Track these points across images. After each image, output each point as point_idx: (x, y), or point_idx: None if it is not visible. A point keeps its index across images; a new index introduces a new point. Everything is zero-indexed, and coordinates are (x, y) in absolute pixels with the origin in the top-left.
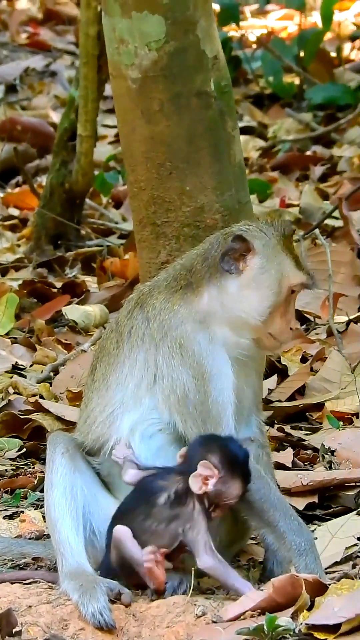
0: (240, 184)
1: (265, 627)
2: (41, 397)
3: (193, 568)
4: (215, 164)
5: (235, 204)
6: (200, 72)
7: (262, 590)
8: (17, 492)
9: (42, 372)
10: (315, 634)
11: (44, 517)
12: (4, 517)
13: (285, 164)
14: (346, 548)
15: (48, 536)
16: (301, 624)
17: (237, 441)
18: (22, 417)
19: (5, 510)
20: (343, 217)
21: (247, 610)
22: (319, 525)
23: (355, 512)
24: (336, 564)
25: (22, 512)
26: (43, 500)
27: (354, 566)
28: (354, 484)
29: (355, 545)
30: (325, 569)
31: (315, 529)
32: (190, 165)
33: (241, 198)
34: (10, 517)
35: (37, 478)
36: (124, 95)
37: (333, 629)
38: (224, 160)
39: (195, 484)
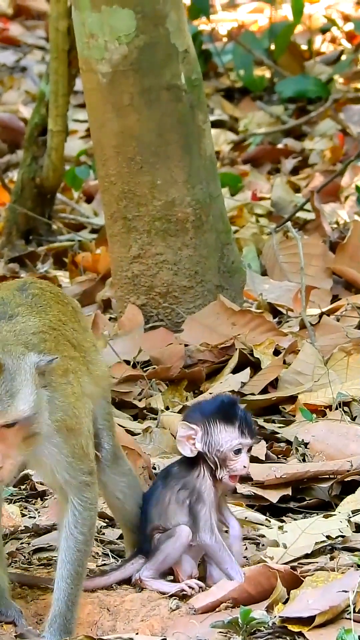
0: (211, 177)
1: (239, 620)
2: None
3: None
4: (186, 158)
5: (206, 198)
6: (171, 65)
7: None
8: None
9: None
10: (290, 627)
11: (22, 512)
12: None
13: (256, 157)
14: (316, 543)
15: (23, 531)
16: (275, 617)
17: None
18: None
19: None
20: (315, 209)
21: (217, 600)
22: (294, 519)
23: (322, 514)
24: (307, 556)
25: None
26: (17, 495)
27: (331, 559)
28: (327, 476)
29: (323, 542)
30: (296, 559)
31: (283, 525)
32: (160, 159)
33: (212, 191)
34: None
35: None
36: (95, 90)
37: (307, 621)
38: (194, 153)
39: (183, 448)
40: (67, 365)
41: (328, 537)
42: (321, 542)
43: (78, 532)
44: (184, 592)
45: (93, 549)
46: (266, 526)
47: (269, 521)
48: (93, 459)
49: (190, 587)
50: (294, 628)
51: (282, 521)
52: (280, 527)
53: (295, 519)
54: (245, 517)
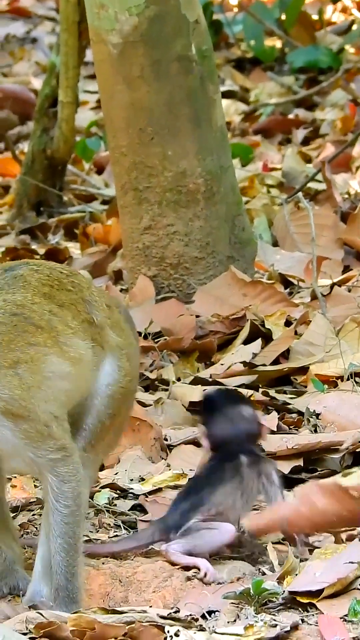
0: (222, 148)
1: (251, 591)
2: None
3: None
4: (197, 129)
5: (217, 169)
6: (181, 36)
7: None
8: None
9: None
10: (299, 599)
11: (35, 484)
12: None
13: (267, 128)
14: None
15: (34, 503)
16: (284, 591)
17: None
18: None
19: None
20: (326, 180)
21: (273, 520)
22: None
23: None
24: None
25: (14, 477)
26: None
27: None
28: (339, 447)
29: None
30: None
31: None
32: (171, 131)
33: (223, 162)
34: None
35: None
36: (105, 61)
37: (316, 594)
38: (205, 124)
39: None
40: (19, 356)
41: None
42: None
43: (61, 505)
44: (197, 572)
45: (105, 520)
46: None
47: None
48: (61, 436)
49: (205, 567)
50: (304, 600)
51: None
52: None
53: None
54: None
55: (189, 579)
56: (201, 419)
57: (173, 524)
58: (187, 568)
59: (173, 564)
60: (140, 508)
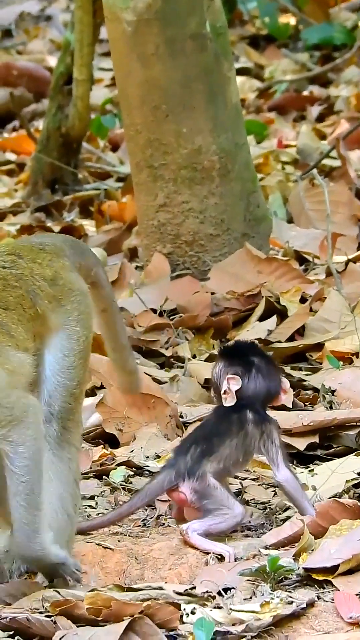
0: (237, 125)
1: (267, 568)
2: None
3: None
4: (211, 106)
5: (232, 146)
6: (195, 14)
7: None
8: None
9: None
10: (314, 575)
11: None
12: None
13: (282, 105)
14: (347, 481)
15: None
16: (299, 568)
17: None
18: None
19: None
20: (341, 157)
21: (291, 535)
22: (319, 465)
23: (355, 452)
24: (336, 496)
25: None
26: None
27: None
28: (354, 423)
29: (355, 479)
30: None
31: (313, 468)
32: (186, 108)
33: (238, 139)
34: None
35: None
36: (119, 39)
37: (331, 571)
38: (220, 102)
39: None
40: None
41: (359, 474)
42: (352, 479)
43: (17, 467)
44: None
45: (120, 498)
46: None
47: (295, 468)
48: (7, 412)
49: (229, 553)
50: (319, 577)
51: (310, 468)
52: (311, 470)
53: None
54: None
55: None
56: (235, 364)
57: (186, 469)
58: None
59: (193, 546)
60: None
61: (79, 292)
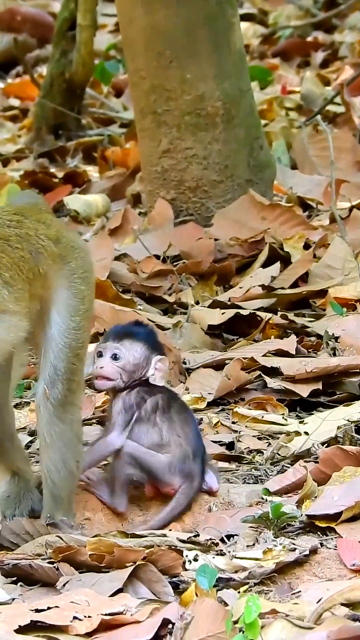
0: (241, 71)
1: (270, 514)
2: None
3: None
4: (215, 52)
5: (236, 92)
6: None
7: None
8: (21, 382)
9: None
10: (317, 522)
11: None
12: None
13: (286, 51)
14: (338, 427)
15: None
16: (302, 515)
17: None
18: None
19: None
20: (345, 103)
21: (293, 482)
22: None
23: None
24: (332, 440)
25: (28, 402)
26: None
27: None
28: (357, 370)
29: (345, 425)
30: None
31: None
32: (190, 54)
33: (242, 85)
34: (15, 407)
35: None
36: None
37: (334, 517)
38: (223, 48)
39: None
40: None
41: (349, 420)
42: (343, 425)
43: None
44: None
45: None
46: (282, 424)
47: (286, 419)
48: None
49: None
50: (322, 523)
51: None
52: (301, 421)
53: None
54: (262, 417)
55: (207, 503)
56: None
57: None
58: (210, 493)
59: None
60: None
61: (80, 249)
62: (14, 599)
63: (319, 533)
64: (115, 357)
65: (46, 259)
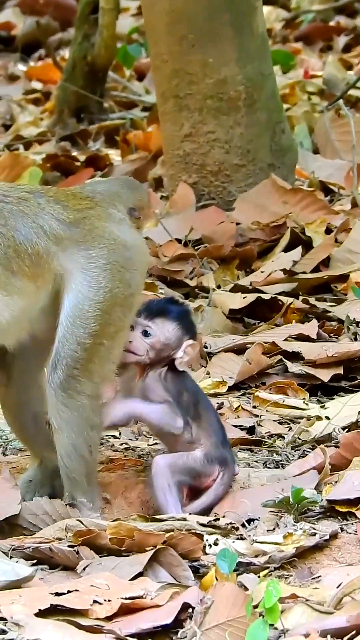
0: (263, 55)
1: (291, 499)
2: None
3: None
4: (238, 36)
5: (258, 76)
6: None
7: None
8: None
9: None
10: (338, 507)
11: None
12: None
13: (308, 35)
14: (359, 412)
15: None
16: (322, 499)
17: None
18: None
19: None
20: None
21: (314, 468)
22: (341, 396)
23: None
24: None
25: None
26: None
27: None
28: None
29: None
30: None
31: (325, 403)
32: (212, 38)
33: (264, 69)
34: None
35: None
36: None
37: (354, 502)
38: (246, 31)
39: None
40: None
41: None
42: None
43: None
44: None
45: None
46: (303, 409)
47: (307, 404)
48: None
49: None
50: (342, 508)
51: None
52: (322, 406)
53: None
54: (283, 401)
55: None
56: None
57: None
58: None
59: None
60: None
61: (114, 243)
62: (35, 573)
63: (339, 518)
64: (145, 334)
65: (49, 240)
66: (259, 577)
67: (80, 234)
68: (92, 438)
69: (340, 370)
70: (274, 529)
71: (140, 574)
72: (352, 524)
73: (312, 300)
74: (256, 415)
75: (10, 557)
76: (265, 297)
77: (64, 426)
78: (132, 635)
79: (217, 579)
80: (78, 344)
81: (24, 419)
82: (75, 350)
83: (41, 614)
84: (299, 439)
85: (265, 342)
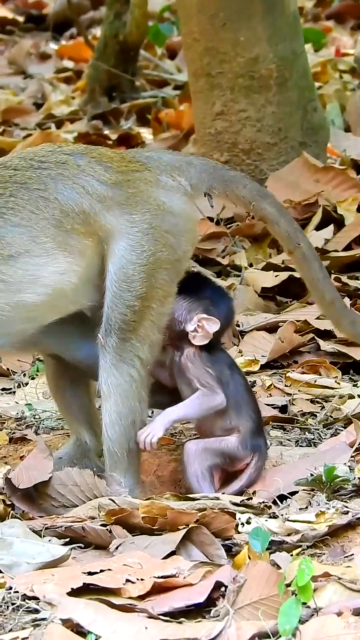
0: (295, 33)
1: (323, 477)
2: None
3: None
4: (269, 14)
5: (289, 54)
6: None
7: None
8: None
9: None
10: None
11: None
12: None
13: (340, 13)
14: None
15: None
16: (355, 477)
17: None
18: None
19: None
20: None
21: (350, 442)
22: None
23: None
24: None
25: None
26: None
27: None
28: None
29: None
30: None
31: (357, 381)
32: (244, 16)
33: (296, 48)
34: None
35: None
36: None
37: None
38: (277, 10)
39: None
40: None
41: None
42: None
43: None
44: None
45: None
46: (335, 388)
47: (339, 383)
48: None
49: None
50: None
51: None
52: (355, 384)
53: None
54: (315, 381)
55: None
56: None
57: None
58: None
59: None
60: None
61: (158, 208)
62: (70, 553)
63: None
64: None
65: (92, 198)
66: (291, 555)
67: (123, 196)
68: (137, 411)
69: None
70: (306, 507)
71: (172, 553)
72: None
73: (344, 278)
74: (288, 394)
75: (43, 536)
76: (297, 275)
77: (113, 392)
78: (164, 614)
79: (249, 558)
80: (127, 307)
81: (67, 391)
82: (125, 314)
83: (74, 593)
84: (331, 417)
85: (298, 321)
